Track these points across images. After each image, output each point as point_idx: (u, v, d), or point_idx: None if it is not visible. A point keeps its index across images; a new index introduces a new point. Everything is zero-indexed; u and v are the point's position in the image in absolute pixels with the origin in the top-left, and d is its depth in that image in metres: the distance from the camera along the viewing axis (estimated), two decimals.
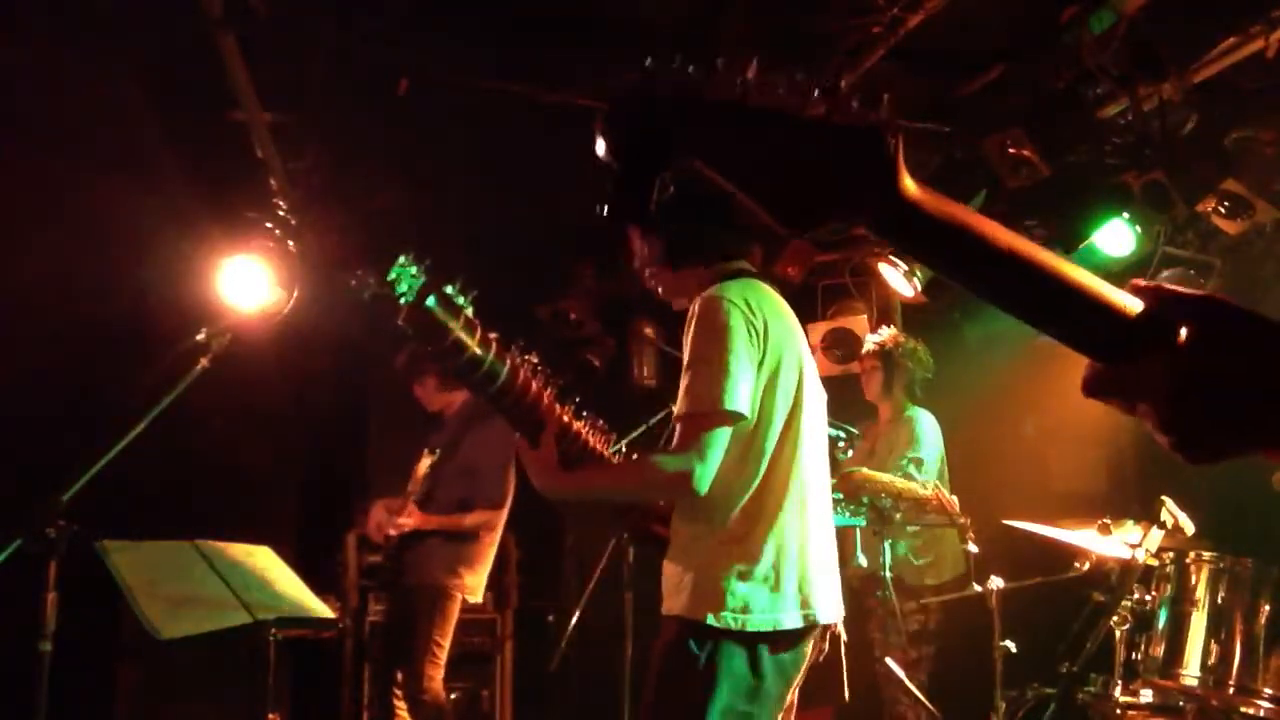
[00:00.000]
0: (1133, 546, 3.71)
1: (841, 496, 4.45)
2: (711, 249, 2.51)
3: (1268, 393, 0.82)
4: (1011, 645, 4.11)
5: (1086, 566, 4.05)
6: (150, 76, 4.18)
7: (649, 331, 6.13)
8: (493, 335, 2.35)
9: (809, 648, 2.40)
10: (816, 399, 2.55)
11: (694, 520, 2.38)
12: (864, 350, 5.29)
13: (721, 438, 2.26)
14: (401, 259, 2.42)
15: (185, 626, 3.38)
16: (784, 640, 2.33)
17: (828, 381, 6.37)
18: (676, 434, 2.30)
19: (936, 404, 5.11)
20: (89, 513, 3.11)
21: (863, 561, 4.56)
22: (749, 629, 2.28)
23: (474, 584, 4.81)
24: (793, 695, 2.45)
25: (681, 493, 2.29)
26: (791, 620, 2.33)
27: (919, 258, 0.90)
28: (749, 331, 2.32)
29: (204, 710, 4.83)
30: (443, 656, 4.73)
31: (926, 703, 4.33)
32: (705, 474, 2.25)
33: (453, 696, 4.94)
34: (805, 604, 2.35)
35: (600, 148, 0.85)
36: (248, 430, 5.25)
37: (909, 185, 0.84)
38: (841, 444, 4.55)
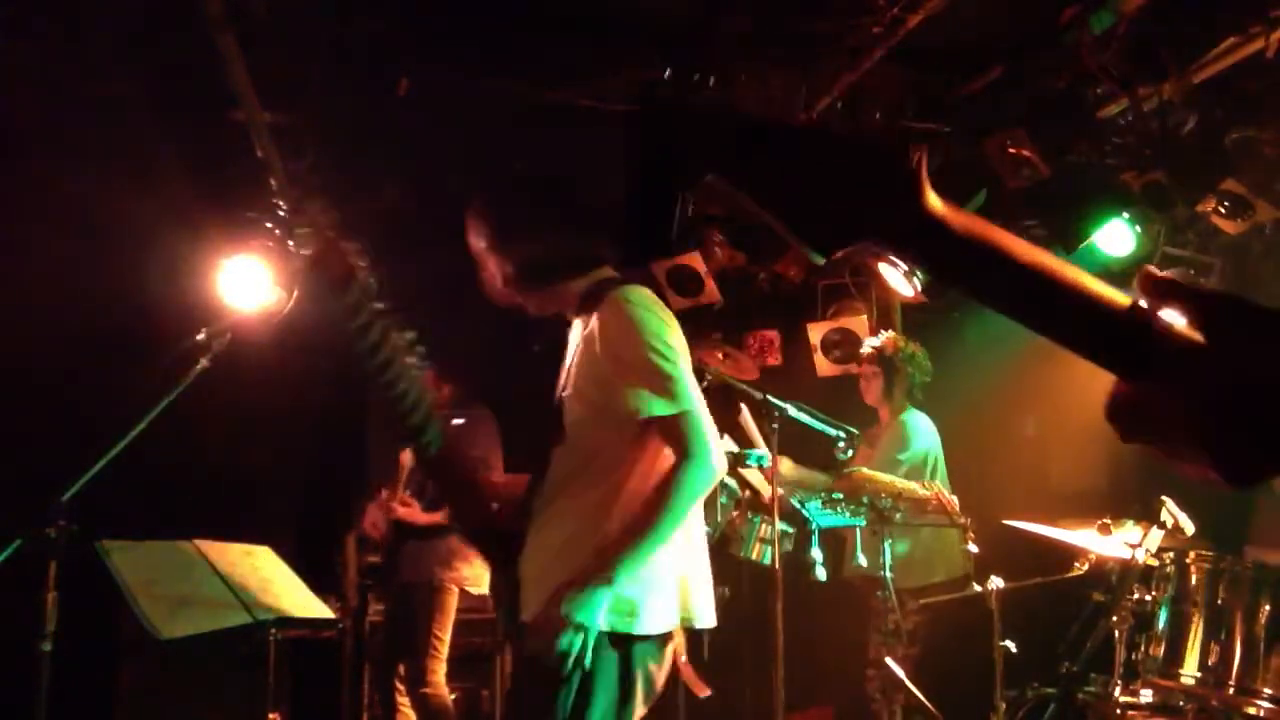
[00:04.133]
0: (1133, 546, 3.71)
1: (841, 496, 4.44)
2: (579, 259, 2.53)
3: None
4: (1011, 645, 4.11)
5: (1086, 567, 4.05)
6: (150, 76, 4.18)
7: None
8: None
9: (671, 650, 2.41)
10: None
11: (576, 524, 2.36)
12: (862, 355, 5.28)
13: (693, 425, 2.31)
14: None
15: (185, 626, 3.38)
16: (659, 643, 2.35)
17: (828, 381, 6.40)
18: (675, 439, 2.31)
19: (936, 404, 5.11)
20: (89, 513, 3.11)
21: (863, 561, 4.55)
22: (633, 632, 2.29)
23: (472, 575, 4.82)
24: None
25: (710, 487, 2.34)
26: (670, 623, 2.36)
27: (942, 275, 0.88)
28: (674, 332, 2.40)
29: (204, 710, 4.83)
30: (444, 651, 4.75)
31: (926, 703, 4.33)
32: (716, 456, 2.32)
33: (452, 697, 4.94)
34: (684, 607, 2.38)
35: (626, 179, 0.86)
36: (248, 430, 5.24)
37: (933, 201, 0.82)
38: (841, 444, 4.55)
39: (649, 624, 2.31)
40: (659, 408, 2.30)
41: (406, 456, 4.75)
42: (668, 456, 2.35)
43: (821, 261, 0.85)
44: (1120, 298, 0.83)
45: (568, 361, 2.52)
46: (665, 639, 2.36)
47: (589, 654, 2.25)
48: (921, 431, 4.97)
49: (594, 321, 2.39)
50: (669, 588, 2.35)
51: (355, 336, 2.26)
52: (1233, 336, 0.80)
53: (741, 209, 0.83)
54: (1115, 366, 0.83)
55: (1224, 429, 0.78)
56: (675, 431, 2.31)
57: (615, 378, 2.34)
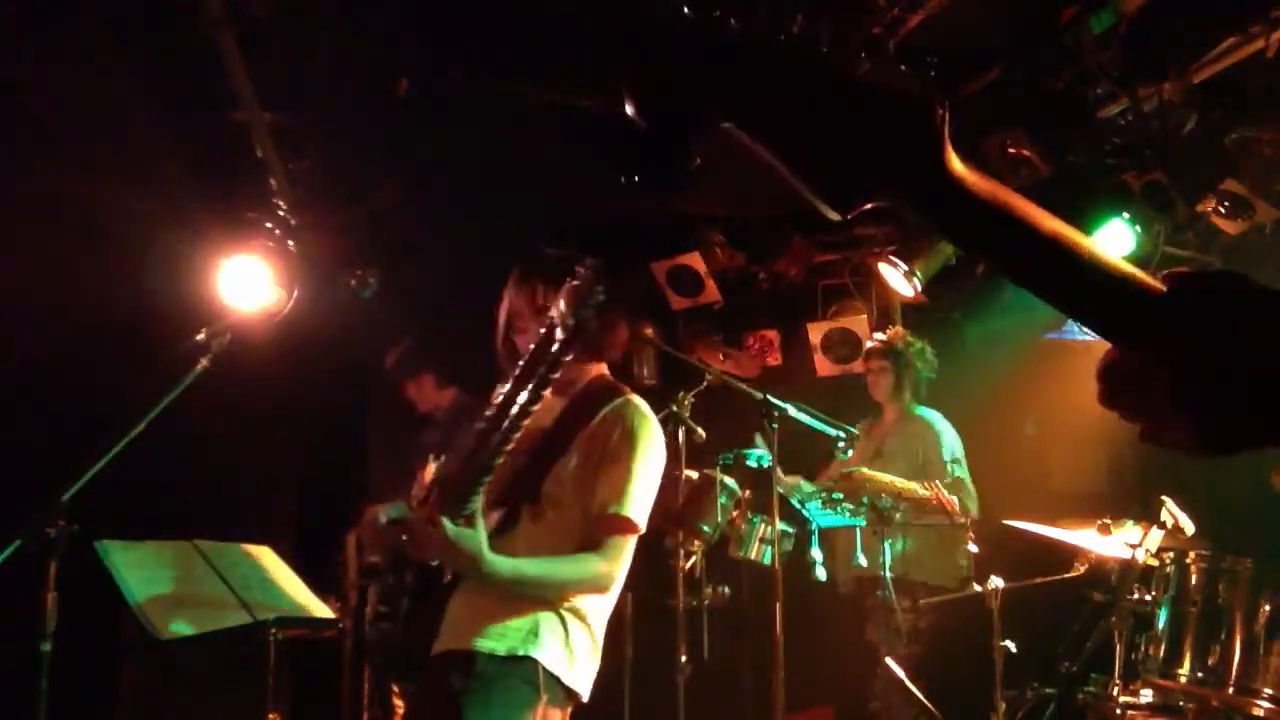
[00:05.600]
0: (1133, 546, 3.72)
1: (841, 496, 4.44)
2: (605, 349, 2.66)
3: (1271, 374, 0.79)
4: (1011, 645, 4.11)
5: (1086, 567, 4.05)
6: (150, 76, 4.17)
7: (649, 332, 6.12)
8: None
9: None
10: None
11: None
12: (870, 348, 5.26)
13: (631, 547, 2.51)
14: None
15: (185, 626, 3.38)
16: (574, 702, 2.51)
17: (828, 381, 6.41)
18: (610, 538, 2.46)
19: (936, 404, 5.11)
20: (89, 513, 3.11)
21: (863, 561, 4.56)
22: (567, 682, 2.44)
23: None
24: None
25: (597, 592, 2.51)
26: (585, 689, 2.52)
27: (959, 238, 0.86)
28: (663, 456, 2.59)
29: (204, 710, 4.83)
30: None
31: (926, 703, 4.33)
32: (619, 579, 2.51)
33: None
34: (589, 680, 2.56)
35: (629, 107, 0.80)
36: (247, 430, 5.23)
37: (954, 161, 0.80)
38: (841, 444, 4.55)
39: (579, 681, 2.48)
40: (629, 510, 2.46)
41: (430, 472, 4.73)
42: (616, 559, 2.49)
43: (837, 218, 0.82)
44: (1129, 270, 0.84)
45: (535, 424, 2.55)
46: (577, 701, 2.51)
47: (550, 697, 2.39)
48: (951, 429, 4.97)
49: (602, 422, 2.53)
50: (595, 660, 2.55)
51: None
52: (1226, 312, 0.81)
53: (753, 156, 0.79)
54: (1111, 332, 0.84)
55: (1204, 400, 0.79)
56: (620, 539, 2.47)
57: (606, 472, 2.48)
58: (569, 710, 2.51)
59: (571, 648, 2.46)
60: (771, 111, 0.78)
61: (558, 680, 2.42)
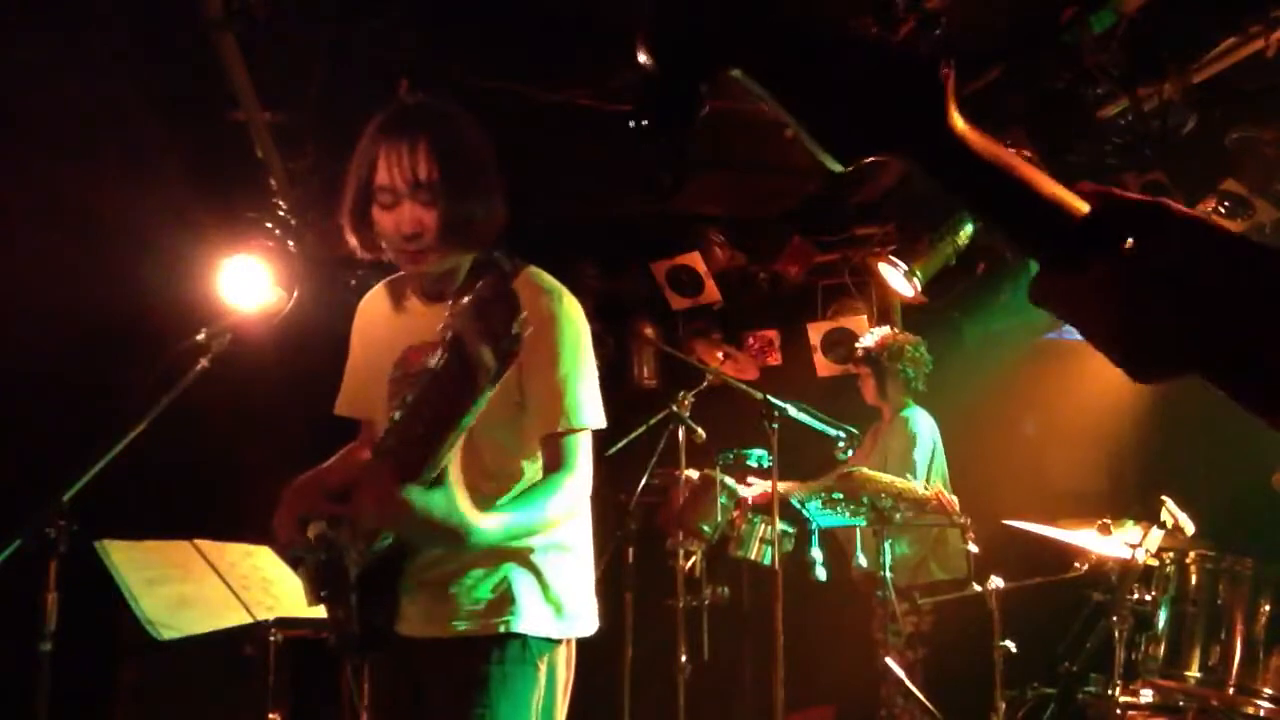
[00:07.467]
0: (1133, 546, 3.72)
1: (841, 496, 4.45)
2: (497, 229, 2.27)
3: (1208, 303, 0.81)
4: (1011, 645, 4.11)
5: (1086, 567, 4.05)
6: (150, 76, 4.17)
7: (649, 331, 6.13)
8: None
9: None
10: None
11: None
12: (854, 355, 5.31)
13: (587, 440, 2.23)
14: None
15: (185, 626, 3.37)
16: (573, 646, 2.32)
17: (828, 381, 6.41)
18: (564, 444, 2.18)
19: (937, 404, 5.11)
20: (89, 513, 3.11)
21: (863, 561, 4.56)
22: (556, 637, 2.24)
23: None
24: None
25: (572, 513, 2.22)
26: (587, 629, 2.32)
27: (960, 195, 0.88)
28: (588, 330, 2.29)
29: (204, 710, 4.83)
30: None
31: (926, 703, 4.33)
32: (589, 479, 2.23)
33: None
34: (594, 613, 2.36)
35: (641, 54, 0.82)
36: (247, 430, 5.24)
37: (958, 119, 0.83)
38: (841, 444, 4.55)
39: (574, 626, 2.27)
40: (577, 420, 2.19)
41: None
42: (584, 467, 2.23)
43: (838, 169, 0.84)
44: (1072, 199, 0.85)
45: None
46: (574, 642, 2.31)
47: (552, 660, 2.21)
48: (924, 427, 4.97)
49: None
50: (589, 593, 2.33)
51: None
52: (1154, 240, 0.82)
53: (760, 108, 0.81)
54: (1046, 260, 0.85)
55: (1134, 328, 0.82)
56: (574, 440, 2.19)
57: (536, 384, 2.18)
58: (573, 642, 2.31)
59: (554, 597, 2.21)
60: (780, 62, 0.80)
61: (548, 639, 2.21)
